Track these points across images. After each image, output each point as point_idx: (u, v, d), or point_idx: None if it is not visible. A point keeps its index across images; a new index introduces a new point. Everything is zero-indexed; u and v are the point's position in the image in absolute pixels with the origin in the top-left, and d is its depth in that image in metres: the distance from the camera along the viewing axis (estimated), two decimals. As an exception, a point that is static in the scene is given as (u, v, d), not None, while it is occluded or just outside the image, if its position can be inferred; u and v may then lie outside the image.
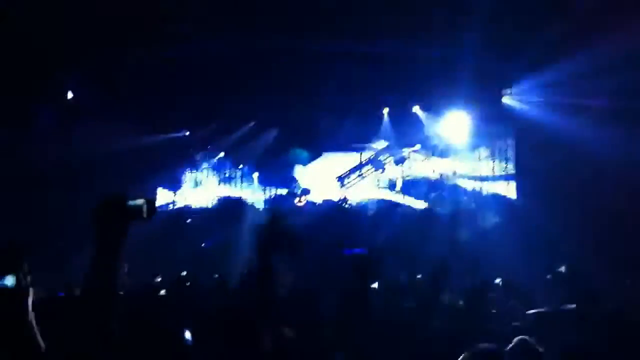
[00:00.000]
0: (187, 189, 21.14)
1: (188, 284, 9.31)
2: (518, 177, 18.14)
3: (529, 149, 16.62)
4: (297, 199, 19.90)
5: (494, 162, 19.02)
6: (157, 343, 2.54)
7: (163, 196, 20.72)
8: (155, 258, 16.08)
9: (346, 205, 19.72)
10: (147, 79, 16.16)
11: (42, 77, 15.02)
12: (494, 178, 18.95)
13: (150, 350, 2.48)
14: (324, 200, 19.60)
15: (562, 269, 6.00)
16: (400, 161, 19.81)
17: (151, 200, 2.32)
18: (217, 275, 11.21)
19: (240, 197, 20.51)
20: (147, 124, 18.08)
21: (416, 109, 17.84)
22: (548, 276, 8.08)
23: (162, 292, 8.29)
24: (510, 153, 18.60)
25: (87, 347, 2.15)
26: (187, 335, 2.68)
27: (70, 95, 16.33)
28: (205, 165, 21.31)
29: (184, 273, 10.89)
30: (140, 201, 2.28)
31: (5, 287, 2.56)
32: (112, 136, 17.85)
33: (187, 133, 20.29)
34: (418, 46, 13.85)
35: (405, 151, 19.73)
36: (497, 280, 8.53)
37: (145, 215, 2.28)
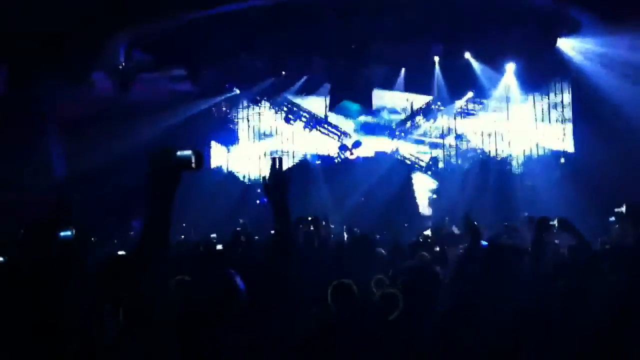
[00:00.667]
0: (242, 144, 21.37)
1: (243, 239, 9.46)
2: (575, 124, 17.89)
3: (586, 99, 16.32)
4: (349, 152, 19.94)
5: (549, 111, 18.78)
6: (211, 290, 2.62)
7: (217, 151, 21.08)
8: (210, 217, 16.61)
9: (398, 157, 19.72)
10: (197, 38, 16.34)
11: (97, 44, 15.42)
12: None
13: (201, 298, 2.56)
14: (376, 152, 19.59)
15: (623, 209, 5.89)
16: (452, 109, 19.63)
17: (199, 152, 2.40)
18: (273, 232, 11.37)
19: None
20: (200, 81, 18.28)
21: (468, 56, 17.49)
22: (611, 218, 7.91)
23: (219, 247, 8.45)
24: (567, 100, 18.37)
25: (143, 298, 2.25)
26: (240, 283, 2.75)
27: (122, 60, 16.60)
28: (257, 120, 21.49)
29: (239, 229, 11.15)
30: (188, 152, 2.36)
31: (67, 238, 2.68)
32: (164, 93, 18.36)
33: (238, 91, 20.51)
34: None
35: (457, 103, 19.54)
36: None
37: (194, 165, 2.36)
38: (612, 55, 15.03)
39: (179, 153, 2.37)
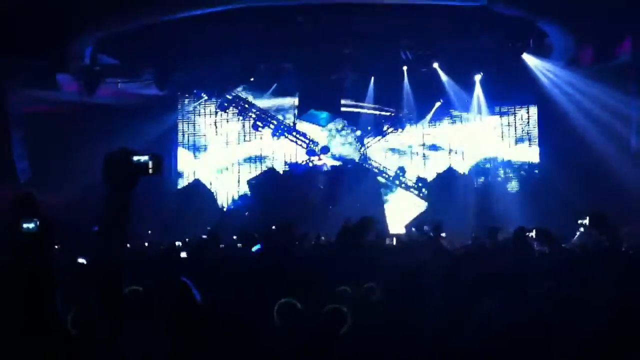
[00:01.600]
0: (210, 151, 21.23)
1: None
2: (541, 140, 18.25)
3: (552, 114, 16.69)
4: (316, 157, 19.95)
5: (515, 122, 19.08)
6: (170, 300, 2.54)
7: (184, 157, 20.92)
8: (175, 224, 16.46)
9: (367, 165, 19.77)
10: (165, 42, 16.22)
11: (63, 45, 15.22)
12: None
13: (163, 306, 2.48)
14: (343, 160, 19.62)
15: (586, 220, 5.97)
16: (420, 118, 19.73)
17: (157, 156, 2.31)
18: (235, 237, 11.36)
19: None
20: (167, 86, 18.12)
21: (436, 65, 17.63)
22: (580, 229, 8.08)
23: (183, 254, 8.37)
24: (533, 115, 18.72)
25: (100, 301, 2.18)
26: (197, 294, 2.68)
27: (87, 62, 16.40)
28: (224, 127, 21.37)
29: (204, 236, 11.06)
30: (145, 157, 2.28)
31: (29, 231, 2.60)
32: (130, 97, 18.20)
33: (205, 97, 20.42)
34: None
35: (426, 114, 19.70)
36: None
37: (151, 171, 2.27)
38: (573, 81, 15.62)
39: (135, 158, 2.28)
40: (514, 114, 19.24)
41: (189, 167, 21.11)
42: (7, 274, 2.49)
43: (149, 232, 15.29)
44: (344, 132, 20.33)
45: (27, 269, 2.49)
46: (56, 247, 7.57)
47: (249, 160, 20.87)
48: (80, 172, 15.26)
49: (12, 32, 14.18)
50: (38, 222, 2.61)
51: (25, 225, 2.62)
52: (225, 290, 3.70)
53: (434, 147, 19.91)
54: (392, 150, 20.13)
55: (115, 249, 2.19)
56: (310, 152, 20.16)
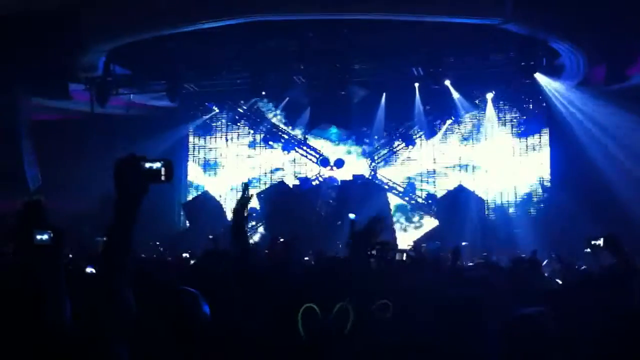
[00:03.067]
0: (220, 164, 21.26)
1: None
2: (552, 161, 18.18)
3: (563, 134, 16.64)
4: (329, 167, 19.96)
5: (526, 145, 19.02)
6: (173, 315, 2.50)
7: (193, 169, 20.96)
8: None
9: (376, 181, 19.72)
10: (178, 55, 16.31)
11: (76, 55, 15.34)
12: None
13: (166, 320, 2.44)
14: (353, 175, 19.55)
15: (600, 241, 5.91)
16: (431, 135, 19.70)
17: (169, 162, 2.26)
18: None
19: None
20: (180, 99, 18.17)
21: (448, 83, 17.61)
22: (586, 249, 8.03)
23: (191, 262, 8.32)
24: (544, 135, 18.64)
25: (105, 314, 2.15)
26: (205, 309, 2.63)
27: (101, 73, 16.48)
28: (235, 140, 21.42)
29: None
30: (157, 163, 2.23)
31: (43, 243, 2.57)
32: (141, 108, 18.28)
33: (217, 110, 20.48)
34: (448, 14, 13.49)
35: (437, 131, 19.68)
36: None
37: (163, 178, 2.23)
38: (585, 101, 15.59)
39: (147, 165, 2.24)
40: (525, 133, 19.13)
41: (198, 179, 21.15)
42: (17, 284, 2.46)
43: (157, 242, 15.30)
44: (354, 148, 20.32)
45: (38, 280, 2.47)
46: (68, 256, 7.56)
47: (259, 173, 20.90)
48: (90, 181, 15.34)
49: (27, 40, 14.30)
50: (52, 234, 2.57)
51: (38, 237, 2.59)
52: (230, 301, 3.65)
53: (444, 164, 19.84)
54: (402, 166, 20.08)
55: (123, 257, 2.16)
56: (324, 162, 20.13)
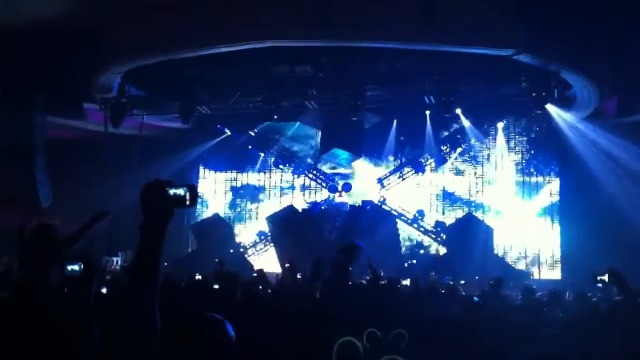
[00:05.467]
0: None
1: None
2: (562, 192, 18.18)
3: (574, 166, 16.64)
4: (338, 194, 19.99)
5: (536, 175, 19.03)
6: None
7: (204, 190, 21.08)
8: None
9: (385, 207, 19.74)
10: (192, 77, 16.46)
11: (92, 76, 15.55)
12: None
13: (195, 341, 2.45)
14: (363, 201, 19.58)
15: (605, 277, 5.92)
16: (441, 163, 19.75)
17: (193, 187, 2.33)
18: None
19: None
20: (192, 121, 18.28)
21: (459, 111, 17.69)
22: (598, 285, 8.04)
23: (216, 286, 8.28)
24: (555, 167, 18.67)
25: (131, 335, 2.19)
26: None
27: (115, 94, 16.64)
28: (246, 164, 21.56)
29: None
30: (182, 189, 2.30)
31: (74, 273, 2.62)
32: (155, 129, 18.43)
33: (229, 133, 20.59)
34: (462, 44, 13.59)
35: (447, 159, 19.75)
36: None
37: (188, 203, 2.30)
38: (596, 133, 15.62)
39: (172, 191, 2.31)
40: (537, 164, 19.16)
41: (208, 200, 21.24)
42: (50, 313, 2.52)
43: (165, 264, 15.30)
44: (364, 173, 20.38)
45: (71, 310, 2.53)
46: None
47: (269, 196, 21.01)
48: (101, 201, 15.41)
49: (44, 59, 14.51)
50: (82, 265, 2.63)
51: (69, 267, 2.64)
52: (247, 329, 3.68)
53: (453, 193, 19.87)
54: (412, 193, 20.11)
55: (150, 281, 2.20)
56: (332, 189, 20.23)
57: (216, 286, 8.28)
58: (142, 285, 2.17)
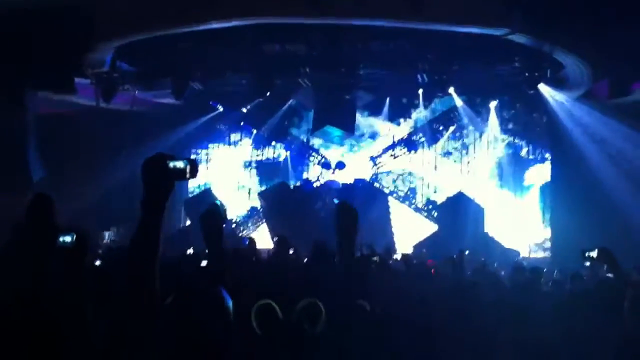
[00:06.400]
0: (222, 162, 21.37)
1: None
2: (553, 174, 18.25)
3: (565, 146, 16.69)
4: (331, 171, 20.04)
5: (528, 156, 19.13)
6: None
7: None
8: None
9: (377, 185, 19.83)
10: (184, 53, 16.38)
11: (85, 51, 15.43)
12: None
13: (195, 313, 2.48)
14: (355, 179, 19.65)
15: (594, 253, 6.01)
16: (433, 142, 19.82)
17: (193, 161, 2.39)
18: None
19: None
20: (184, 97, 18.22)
21: (451, 90, 17.71)
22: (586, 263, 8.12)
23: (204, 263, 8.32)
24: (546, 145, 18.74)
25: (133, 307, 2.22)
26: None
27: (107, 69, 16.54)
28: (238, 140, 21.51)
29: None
30: (182, 162, 2.36)
31: (66, 245, 2.64)
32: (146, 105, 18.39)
33: (221, 109, 20.53)
34: (456, 23, 13.58)
35: (439, 138, 19.82)
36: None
37: (188, 175, 2.35)
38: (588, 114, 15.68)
39: (172, 164, 2.36)
40: (528, 144, 19.27)
41: (199, 176, 21.20)
42: (40, 287, 2.55)
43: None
44: (356, 151, 20.44)
45: (61, 282, 2.55)
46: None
47: (260, 173, 21.01)
48: (94, 175, 15.44)
49: (34, 35, 14.38)
50: (75, 236, 2.65)
51: (61, 239, 2.65)
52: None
53: (445, 171, 19.95)
54: (404, 171, 20.19)
55: (152, 253, 2.24)
56: (325, 165, 20.26)
57: (204, 263, 8.35)
58: (142, 260, 2.21)
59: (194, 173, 2.37)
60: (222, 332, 2.31)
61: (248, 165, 21.28)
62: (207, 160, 21.33)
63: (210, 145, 21.49)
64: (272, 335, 4.34)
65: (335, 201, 18.23)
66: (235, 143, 21.54)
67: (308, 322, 4.44)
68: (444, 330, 4.55)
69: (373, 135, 20.32)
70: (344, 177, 19.96)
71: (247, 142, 21.39)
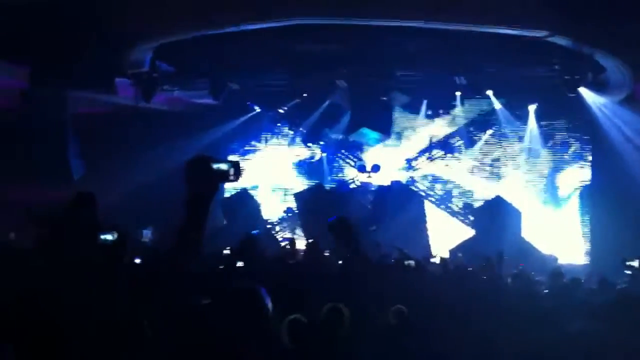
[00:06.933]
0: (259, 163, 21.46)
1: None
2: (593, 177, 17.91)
3: (606, 151, 16.39)
4: (367, 174, 19.96)
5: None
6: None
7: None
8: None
9: (413, 188, 19.70)
10: (223, 54, 16.49)
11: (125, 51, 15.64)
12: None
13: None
14: (391, 181, 19.57)
15: (636, 263, 5.89)
16: (470, 145, 19.62)
17: (237, 163, 2.38)
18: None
19: None
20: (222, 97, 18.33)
21: (490, 93, 17.53)
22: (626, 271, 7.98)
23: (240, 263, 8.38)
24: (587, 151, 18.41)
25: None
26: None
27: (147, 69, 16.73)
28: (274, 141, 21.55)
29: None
30: (225, 164, 2.35)
31: (107, 242, 2.66)
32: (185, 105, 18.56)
33: (258, 110, 20.62)
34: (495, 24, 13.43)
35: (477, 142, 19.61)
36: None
37: (232, 177, 2.34)
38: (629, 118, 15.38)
39: (216, 166, 2.35)
40: (568, 147, 18.92)
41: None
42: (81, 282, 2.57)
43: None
44: (392, 153, 20.31)
45: (104, 279, 2.59)
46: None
47: (297, 173, 21.04)
48: (131, 175, 15.64)
49: (76, 35, 14.61)
50: (116, 234, 2.66)
51: (102, 237, 2.67)
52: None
53: (483, 175, 19.71)
54: (440, 174, 20.02)
55: (190, 254, 2.25)
56: (361, 168, 20.19)
57: (240, 263, 8.42)
58: (184, 259, 2.23)
59: (237, 176, 2.37)
60: (259, 332, 2.32)
61: (284, 166, 21.27)
62: (243, 160, 21.39)
63: (246, 146, 21.55)
64: (305, 346, 4.34)
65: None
66: (271, 144, 21.54)
67: (332, 325, 4.44)
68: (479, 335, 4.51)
69: (408, 137, 20.15)
70: (379, 179, 19.85)
71: (283, 143, 21.39)
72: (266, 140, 21.49)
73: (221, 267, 8.13)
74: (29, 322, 2.40)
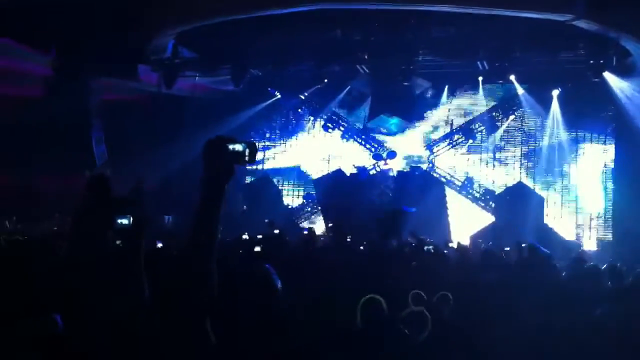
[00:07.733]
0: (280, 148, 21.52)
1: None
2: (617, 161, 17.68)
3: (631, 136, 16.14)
4: (383, 161, 19.91)
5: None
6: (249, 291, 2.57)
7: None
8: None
9: (434, 173, 19.61)
10: (244, 40, 16.50)
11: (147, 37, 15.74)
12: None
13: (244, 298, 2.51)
14: (411, 167, 19.50)
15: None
16: (492, 130, 19.46)
17: (253, 144, 2.36)
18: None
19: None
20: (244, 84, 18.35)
21: (513, 78, 17.36)
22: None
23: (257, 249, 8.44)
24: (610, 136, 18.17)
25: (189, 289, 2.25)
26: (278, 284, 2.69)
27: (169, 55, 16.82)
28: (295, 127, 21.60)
29: (277, 231, 11.28)
30: (240, 145, 2.33)
31: (125, 226, 2.66)
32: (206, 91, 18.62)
33: (279, 96, 20.65)
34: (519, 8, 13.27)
35: (499, 127, 19.44)
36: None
37: (247, 159, 2.33)
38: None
39: (231, 146, 2.34)
40: (591, 132, 18.66)
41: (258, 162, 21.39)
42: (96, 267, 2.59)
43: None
44: (413, 139, 20.22)
45: (119, 265, 2.60)
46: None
47: (318, 160, 21.04)
48: (156, 159, 15.76)
49: (99, 23, 14.71)
50: (132, 218, 2.65)
51: (119, 221, 2.67)
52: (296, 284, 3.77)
53: (504, 161, 19.56)
54: (461, 160, 19.90)
55: (211, 236, 2.26)
56: (377, 157, 20.15)
57: (258, 248, 8.49)
58: (201, 241, 2.23)
59: (252, 157, 2.35)
60: (270, 310, 2.33)
61: (305, 151, 21.29)
62: (265, 146, 21.46)
63: (267, 133, 21.60)
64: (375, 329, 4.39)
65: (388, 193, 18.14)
66: (292, 130, 21.57)
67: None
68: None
69: (429, 122, 20.04)
70: (399, 165, 19.79)
71: (304, 129, 21.42)
72: (287, 127, 21.52)
73: (240, 251, 8.19)
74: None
